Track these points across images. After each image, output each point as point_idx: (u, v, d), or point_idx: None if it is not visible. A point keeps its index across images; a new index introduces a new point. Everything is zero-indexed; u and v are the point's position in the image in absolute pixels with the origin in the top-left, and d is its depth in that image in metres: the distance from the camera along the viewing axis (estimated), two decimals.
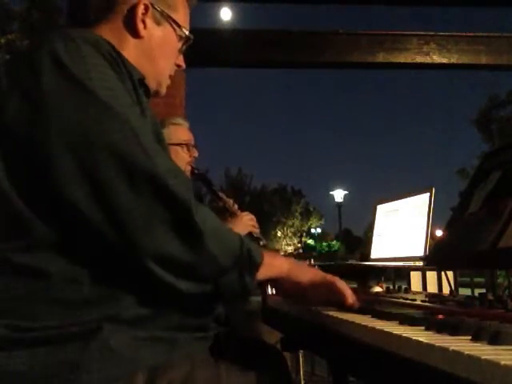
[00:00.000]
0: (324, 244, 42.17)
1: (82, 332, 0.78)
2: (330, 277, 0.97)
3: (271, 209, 28.50)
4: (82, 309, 0.79)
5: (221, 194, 2.23)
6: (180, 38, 1.08)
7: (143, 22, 1.00)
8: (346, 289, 0.96)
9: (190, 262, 0.80)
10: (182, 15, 1.07)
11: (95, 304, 0.80)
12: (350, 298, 0.95)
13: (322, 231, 41.00)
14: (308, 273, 0.97)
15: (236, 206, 2.22)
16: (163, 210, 0.78)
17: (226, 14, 5.92)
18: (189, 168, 2.13)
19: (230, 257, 0.84)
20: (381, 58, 4.19)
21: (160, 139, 0.92)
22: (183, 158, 2.10)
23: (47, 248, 0.80)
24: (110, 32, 0.98)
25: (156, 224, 0.78)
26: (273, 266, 0.92)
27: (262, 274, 0.89)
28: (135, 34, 1.00)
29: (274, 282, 0.96)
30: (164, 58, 1.06)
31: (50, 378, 0.75)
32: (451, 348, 0.56)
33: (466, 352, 0.53)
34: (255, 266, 0.87)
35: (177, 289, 0.81)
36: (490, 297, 0.96)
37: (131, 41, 1.00)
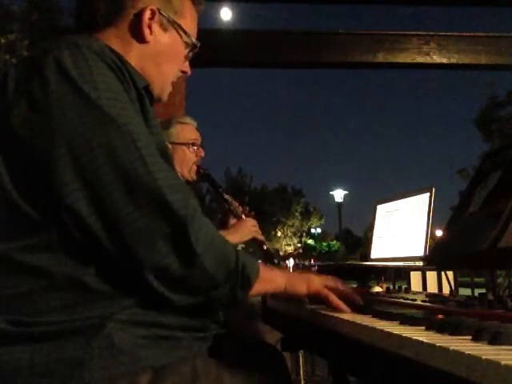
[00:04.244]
0: (324, 244, 42.18)
1: (84, 328, 0.79)
2: (324, 292, 1.01)
3: (271, 209, 28.49)
4: (84, 306, 0.80)
5: (226, 196, 2.21)
6: (186, 44, 1.08)
7: (149, 27, 1.01)
8: (337, 304, 0.99)
9: (183, 275, 0.82)
10: (188, 22, 1.08)
11: (97, 302, 0.81)
12: (342, 309, 0.98)
13: (321, 231, 41.04)
14: (304, 286, 1.01)
15: (241, 209, 2.20)
16: (161, 225, 0.80)
17: (226, 14, 5.92)
18: (194, 168, 2.11)
19: (224, 272, 0.86)
20: (381, 58, 4.19)
21: (163, 149, 0.93)
22: (190, 158, 2.09)
23: (51, 249, 0.81)
24: (117, 37, 0.99)
25: (154, 238, 0.80)
26: (270, 281, 0.96)
27: (259, 288, 0.92)
28: (141, 39, 1.01)
29: (271, 294, 0.99)
30: (169, 64, 1.07)
31: (51, 374, 0.76)
32: (452, 348, 0.55)
33: (467, 352, 0.53)
34: (248, 281, 0.89)
35: (169, 300, 0.83)
36: (490, 297, 0.96)
37: (137, 46, 1.01)
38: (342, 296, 1.01)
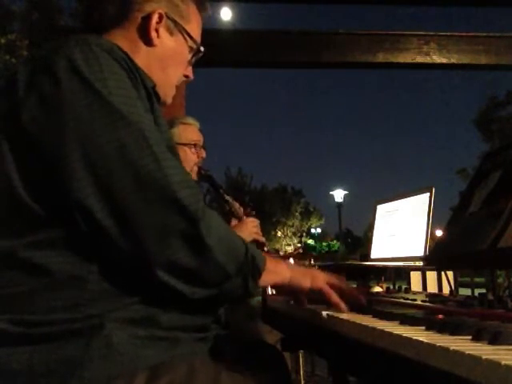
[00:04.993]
0: (324, 244, 42.17)
1: (84, 328, 0.79)
2: (326, 288, 1.00)
3: (271, 209, 28.47)
4: (84, 306, 0.80)
5: (227, 197, 2.21)
6: (191, 49, 1.10)
7: (157, 30, 1.02)
8: (337, 302, 0.99)
9: (196, 269, 0.83)
10: (194, 27, 1.09)
11: (98, 301, 0.81)
12: (341, 309, 0.99)
13: (321, 231, 41.03)
14: (308, 280, 1.00)
15: (242, 210, 2.20)
16: (172, 220, 0.81)
17: (226, 14, 5.91)
18: (196, 169, 2.11)
19: (235, 264, 0.86)
20: (381, 58, 4.19)
21: (171, 147, 0.93)
22: (191, 159, 2.09)
23: (55, 246, 0.81)
24: (124, 39, 1.00)
25: (165, 233, 0.80)
26: (275, 272, 0.96)
27: (265, 280, 0.92)
28: (148, 42, 1.02)
29: (276, 286, 0.99)
30: (174, 67, 1.08)
31: (51, 374, 0.76)
32: (452, 348, 0.55)
33: (467, 352, 0.53)
34: (258, 272, 0.90)
35: (183, 294, 0.84)
36: (490, 297, 0.96)
37: (144, 48, 1.02)
38: (344, 295, 1.01)
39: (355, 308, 0.97)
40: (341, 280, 1.04)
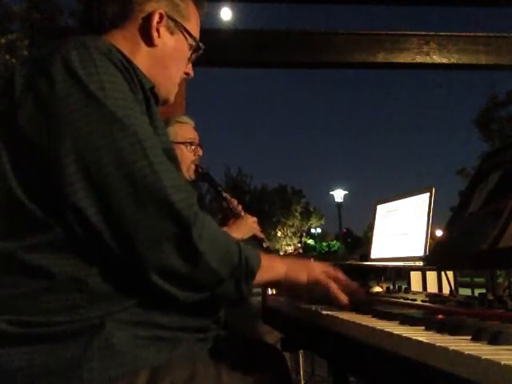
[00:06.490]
0: (324, 244, 42.21)
1: (84, 329, 0.79)
2: (323, 278, 0.99)
3: (271, 209, 28.50)
4: (84, 308, 0.80)
5: (225, 195, 2.21)
6: (190, 46, 1.10)
7: (157, 30, 1.02)
8: (336, 292, 0.98)
9: (189, 274, 0.82)
10: (193, 25, 1.10)
11: (97, 303, 0.81)
12: (340, 299, 0.97)
13: (321, 231, 41.07)
14: (304, 273, 0.98)
15: (240, 207, 2.21)
16: (165, 225, 0.80)
17: (226, 14, 5.91)
18: (193, 167, 2.12)
19: (228, 267, 0.85)
20: (381, 58, 4.18)
21: (168, 150, 0.93)
22: (188, 157, 2.10)
23: (55, 248, 0.81)
24: (124, 39, 1.00)
25: (158, 238, 0.80)
26: (270, 269, 0.95)
27: (260, 277, 0.91)
28: (149, 42, 1.02)
29: (272, 283, 0.97)
30: (175, 66, 1.08)
31: (50, 375, 0.76)
32: (451, 348, 0.55)
33: (467, 352, 0.53)
34: (252, 273, 0.89)
35: (175, 298, 0.83)
36: (490, 297, 0.96)
37: (144, 49, 1.02)
38: (342, 287, 0.99)
39: (355, 307, 0.97)
40: (337, 271, 1.02)
